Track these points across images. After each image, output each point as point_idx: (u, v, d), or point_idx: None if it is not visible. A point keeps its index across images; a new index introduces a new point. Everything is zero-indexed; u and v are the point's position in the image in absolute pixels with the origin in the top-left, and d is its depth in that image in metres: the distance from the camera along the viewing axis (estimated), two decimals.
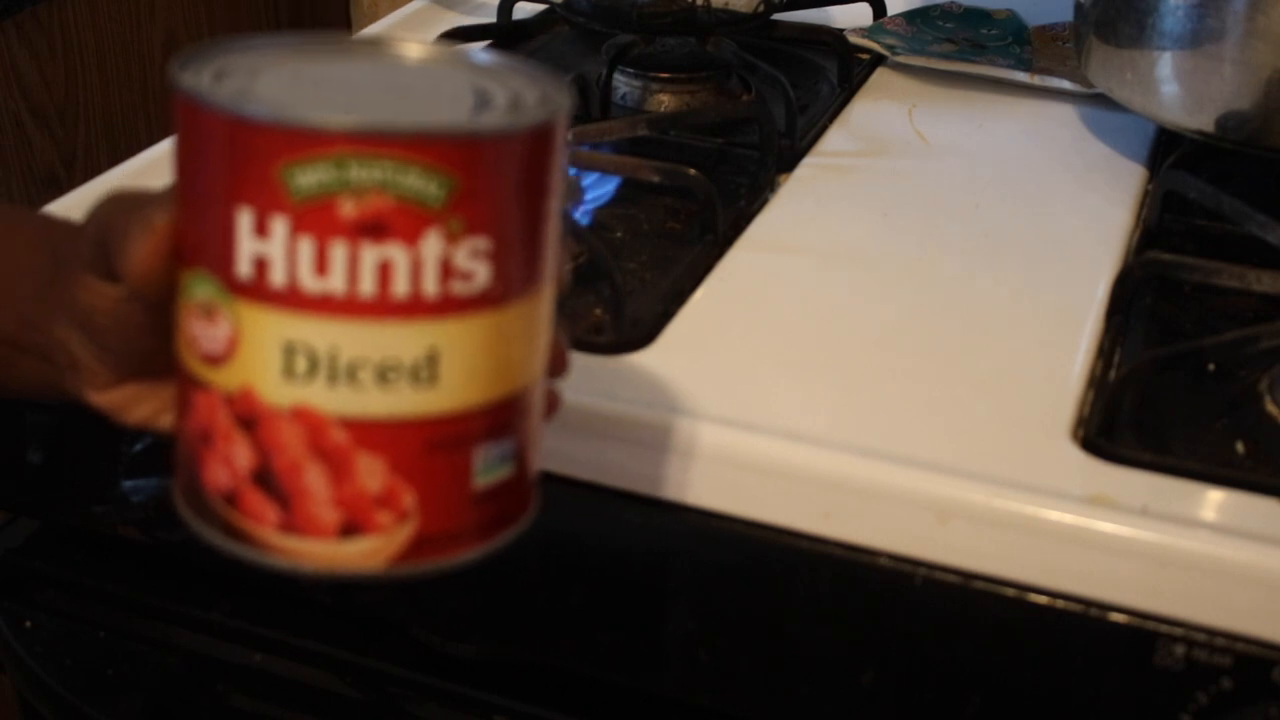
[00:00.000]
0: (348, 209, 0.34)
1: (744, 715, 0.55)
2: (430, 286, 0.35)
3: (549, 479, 0.55)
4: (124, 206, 0.39)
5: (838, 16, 0.95)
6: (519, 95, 0.38)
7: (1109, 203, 0.72)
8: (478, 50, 0.41)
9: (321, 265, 0.35)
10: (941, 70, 0.87)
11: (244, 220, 0.35)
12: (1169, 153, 0.73)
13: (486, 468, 0.38)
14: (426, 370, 0.36)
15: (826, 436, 0.52)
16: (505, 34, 0.92)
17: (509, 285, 0.37)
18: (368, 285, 0.35)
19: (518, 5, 0.94)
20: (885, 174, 0.75)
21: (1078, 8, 0.77)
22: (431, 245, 0.35)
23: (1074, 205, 0.72)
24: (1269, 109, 0.66)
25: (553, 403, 0.43)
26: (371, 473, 0.37)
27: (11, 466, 0.65)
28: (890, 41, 0.90)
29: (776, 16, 0.89)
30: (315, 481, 0.36)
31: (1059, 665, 0.49)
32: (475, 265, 0.36)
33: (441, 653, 0.63)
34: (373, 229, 0.34)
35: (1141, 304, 0.63)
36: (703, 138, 0.77)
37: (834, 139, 0.79)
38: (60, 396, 0.45)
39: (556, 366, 0.42)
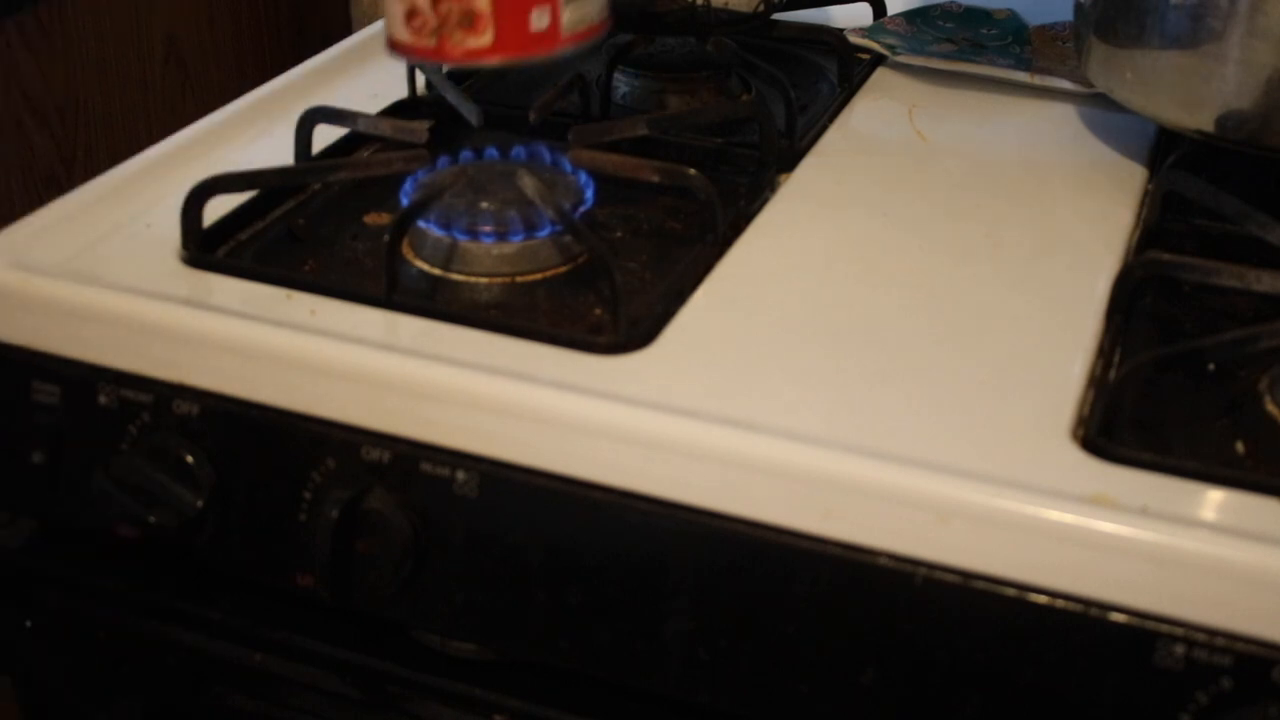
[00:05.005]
0: None
1: (744, 715, 0.55)
2: None
3: (550, 478, 0.55)
4: None
5: (838, 16, 0.95)
6: None
7: (1109, 203, 0.72)
8: None
9: None
10: (941, 70, 0.87)
11: None
12: (1169, 153, 0.73)
13: None
14: None
15: (826, 436, 0.52)
16: None
17: None
18: None
19: None
20: (885, 174, 0.75)
21: (1078, 8, 0.77)
22: None
23: (1074, 205, 0.72)
24: (1269, 109, 0.66)
25: None
26: None
27: (11, 466, 0.65)
28: (890, 41, 0.90)
29: (776, 16, 0.89)
30: None
31: (1059, 665, 0.49)
32: None
33: (441, 653, 0.63)
34: None
35: (1141, 304, 0.63)
36: (703, 138, 0.77)
37: (834, 139, 0.79)
38: None
39: None
